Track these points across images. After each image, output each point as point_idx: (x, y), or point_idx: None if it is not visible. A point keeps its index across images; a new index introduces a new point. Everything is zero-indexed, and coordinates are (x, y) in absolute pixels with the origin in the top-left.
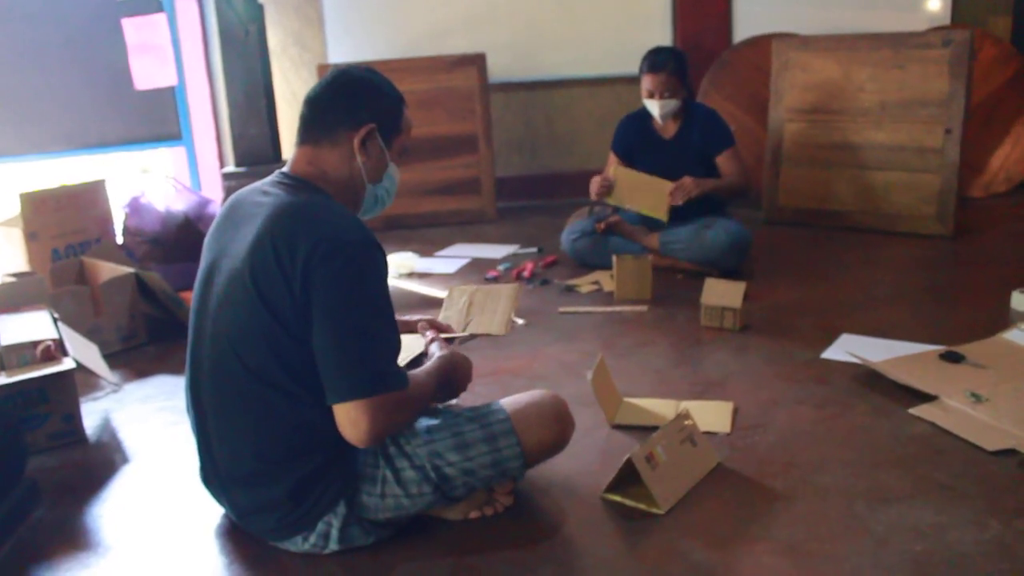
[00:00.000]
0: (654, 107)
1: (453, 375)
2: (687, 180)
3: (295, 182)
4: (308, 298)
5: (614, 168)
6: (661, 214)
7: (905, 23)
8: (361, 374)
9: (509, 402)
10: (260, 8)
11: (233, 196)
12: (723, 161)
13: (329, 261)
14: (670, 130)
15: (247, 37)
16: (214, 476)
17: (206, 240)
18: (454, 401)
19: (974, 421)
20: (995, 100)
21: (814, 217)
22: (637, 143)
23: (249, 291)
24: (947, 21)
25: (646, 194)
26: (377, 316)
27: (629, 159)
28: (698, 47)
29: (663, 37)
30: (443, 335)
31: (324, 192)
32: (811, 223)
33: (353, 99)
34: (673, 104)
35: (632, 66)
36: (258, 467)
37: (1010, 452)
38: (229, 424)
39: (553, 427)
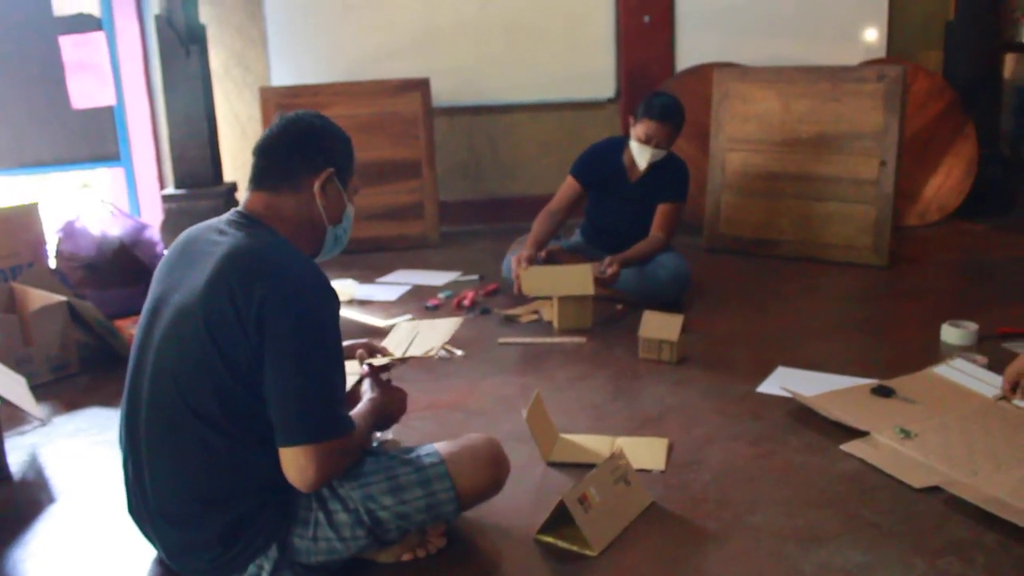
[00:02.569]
0: (643, 153)
1: (386, 410)
2: (613, 270)
3: (251, 223)
4: (261, 341)
5: (524, 271)
6: (588, 289)
7: (843, 55)
8: (313, 420)
9: (444, 445)
10: (202, 28)
11: (187, 232)
12: (663, 210)
13: (285, 307)
14: (637, 173)
15: (188, 58)
16: (144, 512)
17: (156, 273)
18: (390, 435)
19: (903, 457)
20: (928, 132)
21: (754, 246)
22: (603, 176)
23: (200, 331)
24: (883, 53)
25: (565, 280)
26: (330, 362)
27: (589, 189)
28: (641, 75)
29: (607, 64)
30: (379, 360)
31: (280, 234)
32: (751, 252)
33: (311, 146)
34: (661, 155)
35: (576, 92)
36: (191, 507)
37: (936, 489)
38: (164, 461)
39: (488, 471)
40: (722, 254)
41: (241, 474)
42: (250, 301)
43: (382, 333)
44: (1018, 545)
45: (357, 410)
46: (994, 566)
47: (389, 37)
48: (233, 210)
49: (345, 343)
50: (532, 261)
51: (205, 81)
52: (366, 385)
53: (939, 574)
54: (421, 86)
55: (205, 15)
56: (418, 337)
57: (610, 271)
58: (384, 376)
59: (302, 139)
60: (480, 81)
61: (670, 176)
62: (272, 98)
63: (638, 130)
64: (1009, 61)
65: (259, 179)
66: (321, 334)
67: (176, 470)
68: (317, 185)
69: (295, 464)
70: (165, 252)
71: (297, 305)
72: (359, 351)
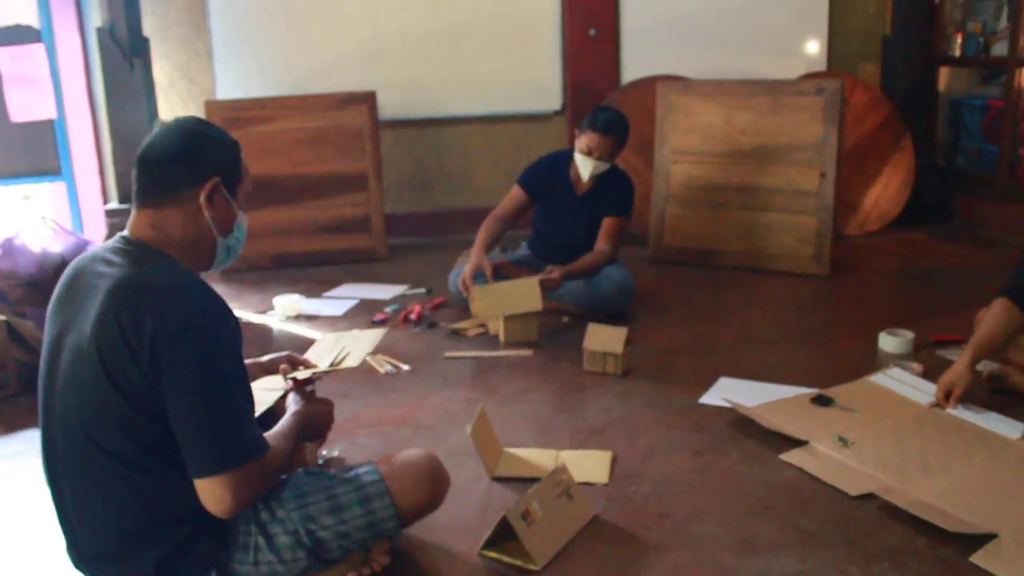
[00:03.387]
0: (587, 165)
1: (312, 423)
2: (555, 278)
3: (137, 248)
4: (158, 374)
5: (473, 295)
6: (536, 304)
7: (785, 68)
8: (222, 448)
9: (384, 462)
10: (146, 41)
11: (72, 265)
12: (608, 224)
13: (179, 336)
14: (584, 186)
15: (132, 71)
16: (77, 553)
17: (48, 313)
18: (336, 452)
19: (840, 466)
20: (867, 143)
21: (698, 257)
22: (549, 188)
23: (96, 371)
24: (824, 66)
25: (512, 297)
26: (231, 387)
27: (535, 199)
28: (587, 88)
29: (553, 77)
30: (302, 374)
31: (168, 256)
32: (696, 263)
33: (193, 155)
34: (604, 167)
35: (523, 104)
36: (121, 545)
37: (872, 496)
38: (87, 503)
39: (428, 487)
40: (667, 265)
41: (168, 506)
42: (141, 335)
43: None
44: (947, 548)
45: (279, 426)
46: (926, 571)
47: (336, 50)
48: (118, 235)
49: (266, 357)
50: (477, 268)
51: (149, 94)
52: (291, 399)
53: None
54: (367, 99)
55: (149, 27)
56: (342, 349)
57: (550, 277)
58: (308, 388)
59: (183, 148)
60: (427, 94)
61: (615, 191)
62: (218, 111)
63: (582, 142)
64: (944, 74)
65: (142, 195)
66: (219, 359)
67: (100, 511)
68: (203, 196)
69: (211, 494)
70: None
71: (191, 333)
72: (281, 365)
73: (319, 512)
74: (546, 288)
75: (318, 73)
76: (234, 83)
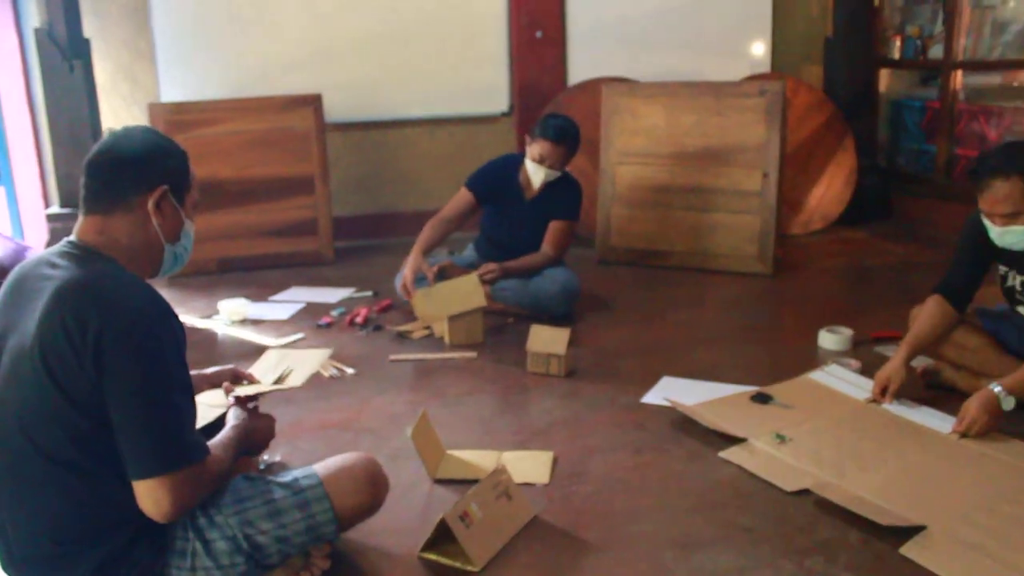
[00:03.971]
0: (538, 172)
1: (252, 437)
2: (493, 272)
3: (83, 252)
4: (101, 376)
5: (415, 298)
6: (480, 300)
7: (730, 69)
8: (162, 450)
9: (322, 466)
10: (86, 42)
11: (18, 268)
12: (555, 228)
13: (122, 339)
14: (532, 191)
15: (72, 72)
16: (7, 557)
17: None
18: (278, 457)
19: (777, 462)
20: (811, 143)
21: (645, 257)
22: (498, 192)
23: (38, 370)
24: (767, 68)
25: (455, 296)
26: (174, 389)
27: (483, 202)
28: (534, 90)
29: (500, 79)
30: (246, 390)
31: (114, 261)
32: (642, 263)
33: (141, 163)
34: (555, 175)
35: (470, 107)
36: (56, 550)
37: (808, 491)
38: (21, 506)
39: (366, 490)
40: (614, 266)
41: (105, 510)
42: (86, 336)
43: None
44: (879, 541)
45: (219, 437)
46: (857, 563)
47: (281, 52)
48: (65, 240)
49: (210, 370)
50: (416, 272)
51: (91, 96)
52: (231, 413)
53: (806, 573)
54: (313, 101)
55: (89, 28)
56: (286, 366)
57: (489, 272)
58: (251, 404)
59: (131, 157)
60: (374, 96)
61: (564, 195)
62: (161, 114)
63: (533, 150)
64: (884, 76)
65: (90, 201)
66: (163, 361)
67: (35, 514)
68: (151, 204)
69: (150, 497)
70: None
71: (135, 335)
72: (224, 383)
73: (257, 517)
74: (486, 281)
75: (263, 75)
76: (178, 85)
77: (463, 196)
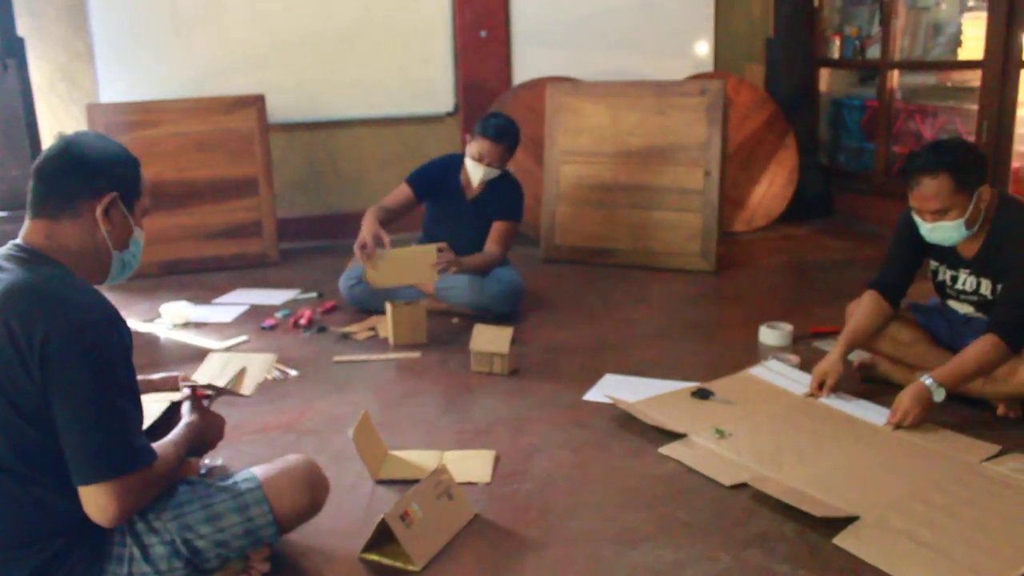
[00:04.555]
0: (476, 171)
1: (203, 436)
2: (453, 262)
3: (31, 255)
4: (46, 381)
5: (369, 262)
6: (431, 275)
7: (674, 69)
8: (108, 455)
9: (261, 469)
10: (20, 41)
11: None
12: (498, 227)
13: (69, 344)
14: (474, 191)
15: (6, 72)
16: None
17: None
18: (219, 461)
19: (716, 457)
20: (753, 141)
21: (589, 255)
22: (439, 191)
23: None
24: (711, 67)
25: (409, 266)
26: (120, 394)
27: (422, 199)
28: (479, 89)
29: (445, 79)
30: (202, 382)
31: (62, 266)
32: (587, 261)
33: (90, 169)
34: (494, 173)
35: (416, 106)
36: None
37: (745, 485)
38: None
39: (306, 492)
40: (559, 264)
41: (43, 516)
42: (32, 340)
43: None
44: (814, 532)
45: (170, 436)
46: (793, 554)
47: (224, 53)
48: (11, 243)
49: (155, 375)
50: (374, 235)
51: (26, 96)
52: (185, 408)
53: (743, 566)
54: (256, 102)
55: (24, 27)
56: (231, 369)
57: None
58: (205, 403)
59: (81, 162)
60: (319, 96)
61: (505, 195)
62: (101, 115)
63: (472, 148)
64: (825, 75)
65: (37, 206)
66: (109, 367)
67: None
68: (99, 210)
69: (95, 502)
70: None
71: (82, 340)
72: (181, 375)
73: (196, 521)
74: (440, 268)
75: (206, 76)
76: (118, 86)
77: (403, 190)
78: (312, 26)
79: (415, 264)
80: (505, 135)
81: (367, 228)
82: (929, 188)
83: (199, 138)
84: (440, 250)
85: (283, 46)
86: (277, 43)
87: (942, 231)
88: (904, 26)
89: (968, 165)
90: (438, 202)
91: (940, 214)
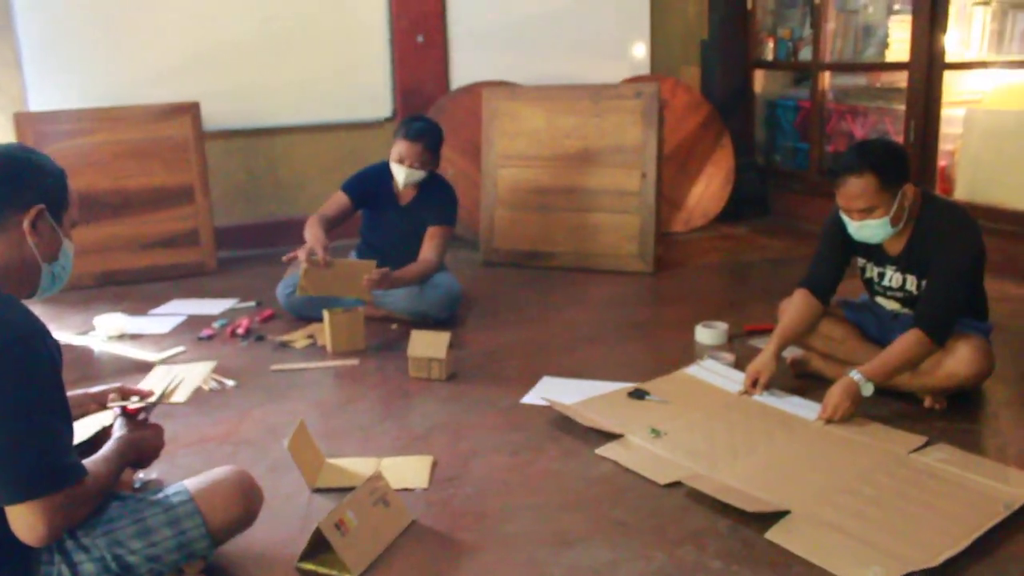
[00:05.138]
0: (400, 173)
1: (138, 450)
2: (388, 276)
3: None
4: None
5: (303, 271)
6: (363, 295)
7: (612, 72)
8: (36, 474)
9: (193, 482)
10: None
11: None
12: (432, 233)
13: None
14: (407, 196)
15: None
16: None
17: None
18: (154, 475)
19: (652, 456)
20: (690, 143)
21: (528, 259)
22: (373, 197)
23: None
24: (647, 70)
25: (345, 281)
26: (48, 411)
27: (358, 206)
28: (417, 94)
29: (383, 84)
30: (134, 403)
31: None
32: (526, 264)
33: (16, 181)
34: (419, 175)
35: (354, 112)
36: None
37: (680, 484)
38: None
39: (239, 503)
40: (498, 268)
41: None
42: None
43: (151, 368)
44: (747, 528)
45: (102, 451)
46: (725, 550)
47: (157, 60)
48: None
49: (95, 389)
50: (320, 242)
51: None
52: (117, 424)
53: (676, 563)
54: (191, 110)
55: None
56: (174, 380)
57: (379, 279)
58: (141, 416)
59: (6, 175)
60: (256, 103)
61: (438, 200)
62: (29, 124)
63: (393, 151)
64: (759, 77)
65: None
66: (36, 383)
67: None
68: (27, 223)
69: (23, 522)
70: None
71: (7, 356)
72: (111, 395)
73: (126, 537)
74: (374, 286)
75: (139, 83)
76: (47, 94)
77: (339, 198)
78: (247, 32)
79: (352, 277)
80: (423, 135)
81: (313, 236)
82: (855, 187)
83: (133, 147)
84: (377, 267)
85: (218, 52)
86: (212, 49)
87: (868, 229)
88: (835, 29)
89: (892, 165)
90: (373, 209)
91: (866, 212)
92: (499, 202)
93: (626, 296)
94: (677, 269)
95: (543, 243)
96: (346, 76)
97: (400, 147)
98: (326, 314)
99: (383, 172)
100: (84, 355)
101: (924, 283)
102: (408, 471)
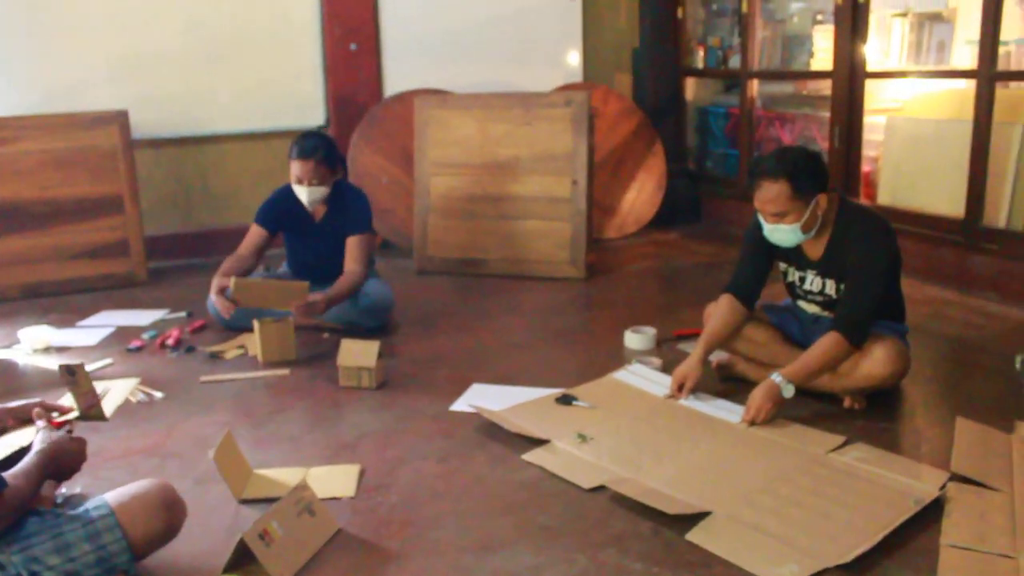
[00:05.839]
0: (303, 194)
1: (59, 463)
2: (318, 304)
3: None
4: None
5: (234, 281)
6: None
7: (545, 80)
8: None
9: (114, 495)
10: None
11: None
12: (351, 244)
13: None
14: (320, 212)
15: None
16: None
17: None
18: (77, 489)
19: (578, 461)
20: (621, 150)
21: (461, 266)
22: (287, 221)
23: None
24: (580, 77)
25: (277, 297)
26: None
27: (277, 232)
28: (350, 102)
29: (315, 92)
30: (57, 417)
31: None
32: (459, 272)
33: None
34: (321, 192)
35: (287, 120)
36: None
37: (604, 487)
38: None
39: (161, 516)
40: (432, 276)
41: None
42: None
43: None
44: (669, 530)
45: (22, 464)
46: (647, 552)
47: (84, 66)
48: None
49: (14, 404)
50: (222, 303)
51: None
52: (38, 437)
53: (599, 566)
54: (119, 118)
55: None
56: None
57: (315, 301)
58: (65, 428)
59: None
60: (187, 111)
61: (351, 210)
62: None
63: (291, 173)
64: (691, 84)
65: None
66: None
67: None
68: None
69: None
70: None
71: None
72: (35, 410)
73: (43, 552)
74: (306, 313)
75: (65, 91)
76: None
77: (254, 231)
78: (177, 39)
79: (284, 296)
80: (312, 152)
81: (214, 296)
82: (769, 192)
83: (59, 155)
84: (308, 304)
85: (147, 60)
86: (141, 57)
87: (781, 233)
88: (762, 38)
89: (807, 174)
90: (291, 231)
91: (779, 217)
92: (432, 210)
93: (558, 303)
94: (609, 275)
95: (476, 251)
96: (279, 84)
97: (294, 168)
98: (256, 324)
99: (291, 194)
100: (9, 368)
101: (842, 287)
102: (335, 480)
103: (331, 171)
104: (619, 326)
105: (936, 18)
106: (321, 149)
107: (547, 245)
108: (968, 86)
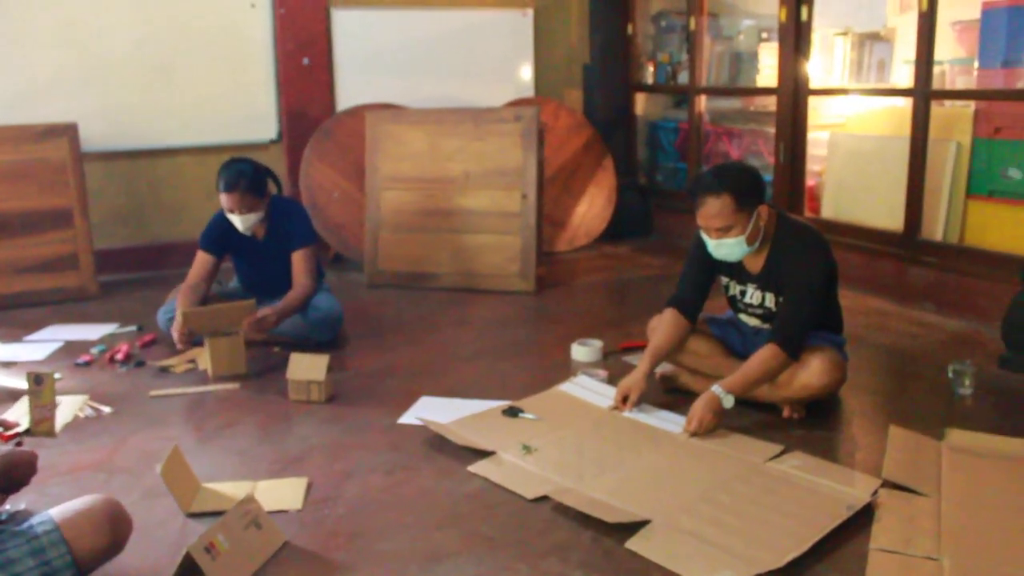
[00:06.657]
0: (237, 222)
1: (11, 474)
2: (268, 319)
3: None
4: None
5: (181, 315)
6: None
7: (497, 95)
8: None
9: (58, 511)
10: None
11: None
12: (297, 259)
13: None
14: (261, 231)
15: None
16: None
17: None
18: (22, 505)
19: (522, 472)
20: (573, 164)
21: (412, 280)
22: (231, 243)
23: None
24: (532, 92)
25: (226, 319)
26: None
27: (222, 255)
28: (303, 116)
29: (268, 105)
30: (3, 431)
31: None
32: (410, 285)
33: None
34: (254, 218)
35: (239, 134)
36: None
37: (547, 498)
38: None
39: (106, 531)
40: (383, 289)
41: None
42: None
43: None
44: (609, 539)
45: None
46: (587, 560)
47: (32, 78)
48: None
49: None
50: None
51: None
52: None
53: (540, 575)
54: (68, 131)
55: None
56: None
57: (266, 317)
58: (15, 441)
59: None
60: (137, 124)
61: (292, 224)
62: None
63: (222, 205)
64: (640, 99)
65: None
66: None
67: None
68: None
69: None
70: None
71: None
72: None
73: None
74: (256, 329)
75: (12, 103)
76: None
77: (201, 258)
78: (128, 52)
79: (233, 319)
80: (236, 183)
81: (174, 332)
82: (713, 207)
83: (7, 168)
84: (260, 319)
85: (97, 72)
86: (91, 70)
87: (726, 247)
88: (710, 55)
89: (748, 187)
90: (237, 253)
91: (724, 231)
92: (383, 224)
93: (507, 316)
94: (559, 288)
95: (427, 264)
96: (231, 98)
97: (222, 200)
98: (206, 339)
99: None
100: None
101: (780, 300)
102: (283, 493)
103: (258, 198)
104: (567, 339)
105: (876, 37)
106: (244, 178)
107: (497, 259)
108: (906, 104)
